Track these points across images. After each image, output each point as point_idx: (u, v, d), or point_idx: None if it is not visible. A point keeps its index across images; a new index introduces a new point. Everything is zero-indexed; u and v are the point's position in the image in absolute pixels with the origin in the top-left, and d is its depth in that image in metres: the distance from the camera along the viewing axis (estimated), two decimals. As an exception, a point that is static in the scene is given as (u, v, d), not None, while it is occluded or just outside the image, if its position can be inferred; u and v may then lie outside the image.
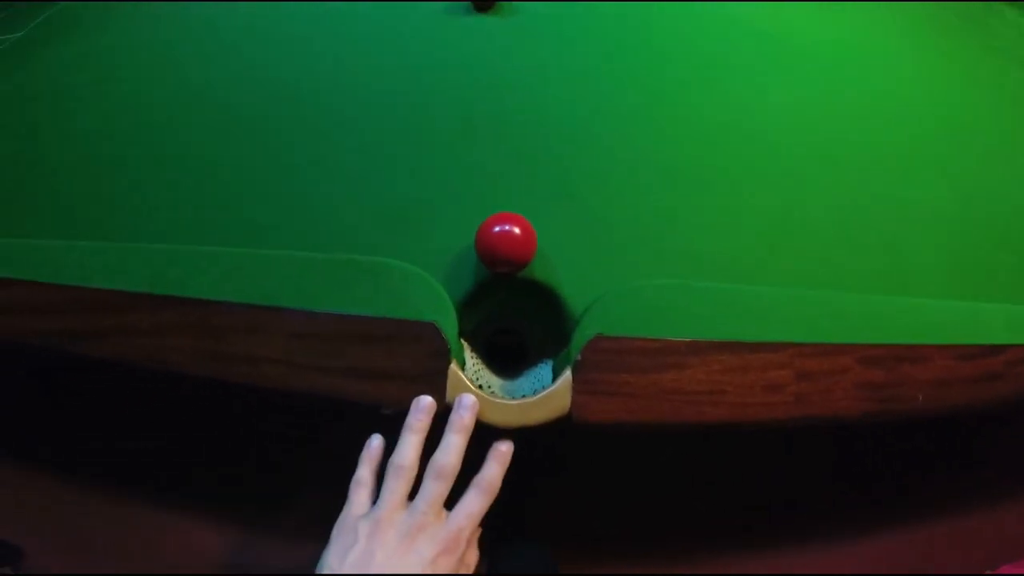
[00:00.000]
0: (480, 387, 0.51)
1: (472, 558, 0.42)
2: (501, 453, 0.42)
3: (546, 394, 0.45)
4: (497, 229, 0.51)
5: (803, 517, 1.15)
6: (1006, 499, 1.18)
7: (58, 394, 1.08)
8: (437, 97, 0.71)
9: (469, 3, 0.87)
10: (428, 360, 0.45)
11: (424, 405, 0.42)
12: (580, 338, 0.46)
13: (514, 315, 0.58)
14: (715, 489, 1.13)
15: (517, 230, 0.51)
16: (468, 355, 0.53)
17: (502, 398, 0.46)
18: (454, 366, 0.45)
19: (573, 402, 0.45)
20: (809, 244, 0.57)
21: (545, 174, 0.63)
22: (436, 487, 0.40)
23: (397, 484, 0.40)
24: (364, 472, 0.43)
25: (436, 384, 0.45)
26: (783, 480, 1.19)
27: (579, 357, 0.46)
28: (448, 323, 0.46)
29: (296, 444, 1.02)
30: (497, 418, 0.45)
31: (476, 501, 0.41)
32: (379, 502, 0.40)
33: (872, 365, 0.49)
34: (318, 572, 0.38)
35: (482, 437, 0.45)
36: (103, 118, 0.72)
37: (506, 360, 0.57)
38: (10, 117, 0.74)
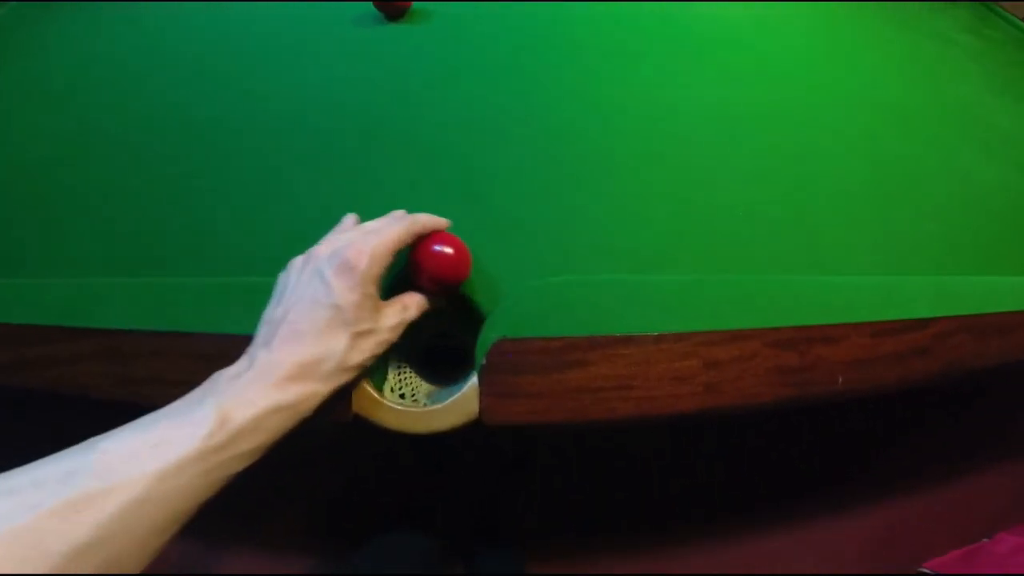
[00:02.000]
0: (403, 396, 0.52)
1: (410, 304, 0.44)
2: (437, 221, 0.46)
3: (453, 400, 0.46)
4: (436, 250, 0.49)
5: (784, 502, 1.14)
6: (994, 468, 1.15)
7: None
8: (340, 110, 0.71)
9: (380, 13, 0.87)
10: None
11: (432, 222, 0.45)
12: (484, 342, 0.47)
13: (445, 324, 0.58)
14: (687, 483, 1.13)
15: (450, 250, 0.50)
16: (393, 364, 0.53)
17: (411, 406, 0.47)
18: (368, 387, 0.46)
19: (481, 406, 0.46)
20: (717, 229, 0.56)
21: (455, 178, 0.63)
22: (355, 230, 0.43)
23: (335, 231, 0.45)
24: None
25: (341, 395, 0.46)
26: (762, 466, 1.18)
27: (484, 361, 0.46)
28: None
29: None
30: (406, 425, 0.46)
31: (385, 220, 0.43)
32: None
33: (783, 348, 0.48)
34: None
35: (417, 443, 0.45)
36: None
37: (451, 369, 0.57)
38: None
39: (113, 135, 0.72)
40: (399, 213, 0.47)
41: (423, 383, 0.54)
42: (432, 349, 0.58)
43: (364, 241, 0.40)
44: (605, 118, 0.70)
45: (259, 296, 0.48)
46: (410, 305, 0.44)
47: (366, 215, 0.61)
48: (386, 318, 0.41)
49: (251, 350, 0.38)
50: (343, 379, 0.39)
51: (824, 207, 0.60)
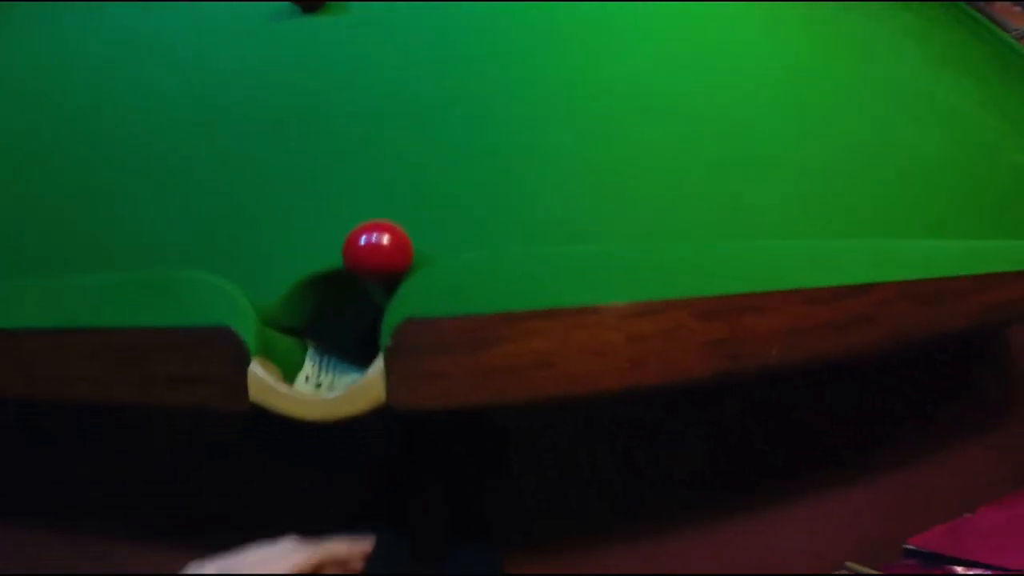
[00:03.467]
0: (318, 386, 0.49)
1: None
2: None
3: (357, 386, 0.43)
4: (364, 241, 0.46)
5: (763, 486, 1.12)
6: (973, 441, 1.13)
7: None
8: (255, 104, 0.68)
9: (295, 5, 0.83)
10: (229, 363, 0.43)
11: None
12: (389, 322, 0.44)
13: (367, 306, 0.55)
14: (663, 469, 1.11)
15: (386, 239, 0.47)
16: (313, 356, 0.51)
17: (312, 393, 0.44)
18: (254, 366, 0.43)
19: (389, 391, 0.43)
20: (640, 198, 0.53)
21: (376, 163, 0.60)
22: None
23: None
24: None
25: (240, 384, 0.43)
26: (737, 450, 1.16)
27: (389, 343, 0.43)
28: (246, 326, 0.44)
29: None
30: (305, 414, 0.43)
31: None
32: None
33: (710, 319, 0.45)
34: None
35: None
36: None
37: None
38: None
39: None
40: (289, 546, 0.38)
41: (350, 373, 0.52)
42: (364, 337, 0.55)
43: None
44: (523, 96, 0.67)
45: (152, 290, 0.45)
46: None
47: (276, 203, 0.58)
48: None
49: None
50: None
51: (750, 176, 0.57)
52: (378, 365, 0.43)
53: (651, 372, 0.45)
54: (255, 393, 0.42)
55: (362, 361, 0.52)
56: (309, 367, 0.50)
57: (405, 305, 0.44)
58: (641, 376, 0.45)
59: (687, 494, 1.10)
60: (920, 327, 0.49)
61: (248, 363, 0.43)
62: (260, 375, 0.42)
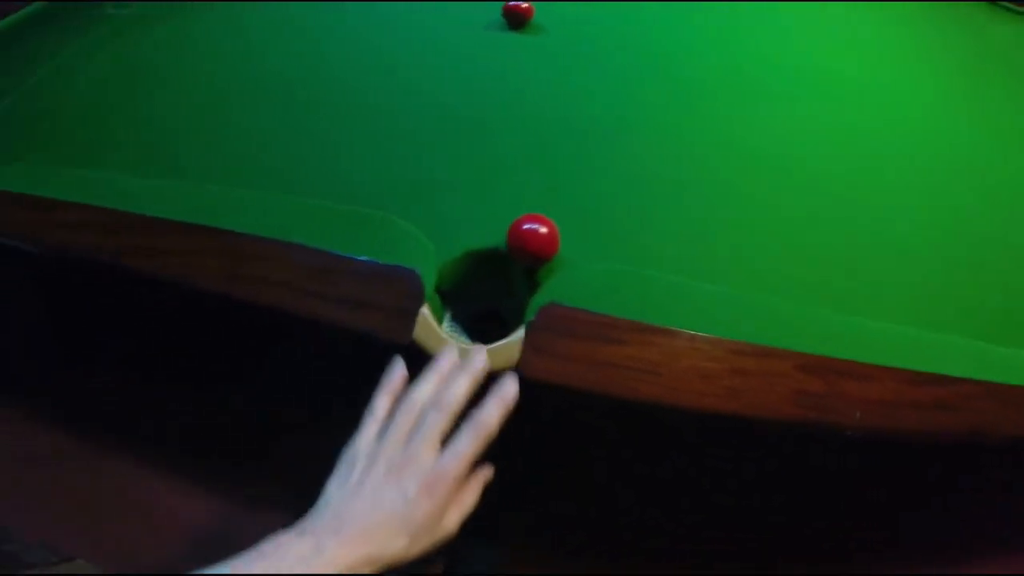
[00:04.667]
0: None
1: (468, 499, 0.43)
2: (503, 396, 0.43)
3: (498, 346, 0.52)
4: (527, 227, 0.57)
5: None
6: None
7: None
8: (465, 98, 0.84)
9: (504, 21, 0.98)
10: (405, 299, 0.53)
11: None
12: (537, 301, 0.53)
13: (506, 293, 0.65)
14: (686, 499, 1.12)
15: (544, 230, 0.57)
16: (448, 312, 0.60)
17: (464, 344, 0.54)
18: (426, 309, 0.53)
19: (522, 357, 0.52)
20: (770, 254, 0.60)
21: (563, 171, 0.72)
22: (435, 420, 0.41)
23: (404, 419, 0.42)
24: (379, 403, 0.44)
25: (407, 321, 0.53)
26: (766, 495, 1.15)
27: (533, 318, 0.52)
28: (428, 276, 0.54)
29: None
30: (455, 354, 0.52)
31: (467, 441, 0.41)
32: (384, 435, 0.41)
33: (810, 373, 0.51)
34: (320, 500, 0.40)
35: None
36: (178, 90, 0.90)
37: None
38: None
39: (270, 87, 0.88)
40: (475, 424, 0.43)
41: (465, 335, 0.61)
42: (482, 313, 0.64)
43: (446, 469, 0.40)
44: (687, 142, 0.76)
45: (362, 224, 0.57)
46: (468, 502, 0.44)
47: (466, 180, 0.69)
48: (449, 522, 0.42)
49: (319, 532, 0.38)
50: (402, 565, 0.40)
51: (874, 253, 0.62)
52: (519, 334, 0.52)
53: (743, 404, 0.51)
54: (419, 332, 0.53)
55: (478, 332, 0.62)
56: (447, 324, 0.60)
57: (553, 291, 0.53)
58: (734, 406, 0.51)
59: (701, 553, 1.10)
60: (999, 427, 0.53)
61: (421, 305, 0.53)
62: (428, 317, 0.53)
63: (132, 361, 1.07)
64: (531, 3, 1.04)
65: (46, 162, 0.78)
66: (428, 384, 0.44)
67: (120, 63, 1.05)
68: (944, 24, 1.24)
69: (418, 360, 0.53)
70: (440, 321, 0.56)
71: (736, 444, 0.92)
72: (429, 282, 0.54)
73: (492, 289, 0.63)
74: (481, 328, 0.59)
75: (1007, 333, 0.59)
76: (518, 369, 0.52)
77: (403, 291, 0.54)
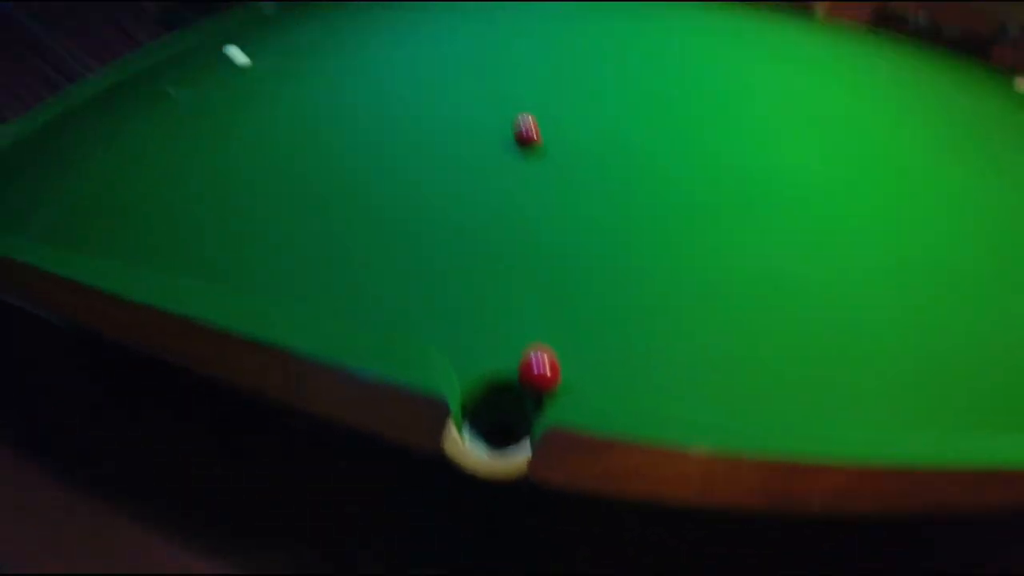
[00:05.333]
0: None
1: None
2: None
3: (511, 457, 0.65)
4: (535, 371, 0.69)
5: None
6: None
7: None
8: (478, 220, 0.96)
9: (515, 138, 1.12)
10: (435, 420, 0.66)
11: None
12: (543, 423, 0.66)
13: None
14: None
15: (549, 372, 0.69)
16: (465, 425, 0.73)
17: (481, 454, 0.66)
18: (452, 427, 0.66)
19: (530, 467, 0.64)
20: (757, 373, 0.72)
21: (566, 297, 0.84)
22: None
23: None
24: None
25: (437, 436, 0.65)
26: None
27: (540, 436, 0.65)
28: (453, 398, 0.67)
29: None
30: (472, 467, 0.65)
31: None
32: None
33: (775, 472, 0.62)
34: None
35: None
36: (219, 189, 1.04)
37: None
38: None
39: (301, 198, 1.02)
40: None
41: (481, 443, 0.73)
42: (494, 427, 0.76)
43: None
44: (682, 277, 0.89)
45: (401, 352, 0.69)
46: None
47: (480, 304, 0.82)
48: None
49: None
50: None
51: (850, 358, 0.75)
52: (526, 447, 0.65)
53: (713, 497, 0.63)
54: (447, 445, 0.65)
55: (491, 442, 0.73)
56: (466, 434, 0.72)
57: (556, 414, 0.65)
58: (703, 498, 0.63)
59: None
60: (957, 507, 0.63)
61: (447, 424, 0.66)
62: (453, 433, 0.65)
63: (175, 440, 1.23)
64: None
65: (109, 254, 0.94)
66: None
67: (173, 155, 1.21)
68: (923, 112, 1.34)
69: (446, 464, 0.66)
70: (460, 430, 0.69)
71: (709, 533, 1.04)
72: (454, 403, 0.67)
73: (505, 407, 0.75)
74: (495, 437, 0.71)
75: (975, 421, 0.70)
76: (527, 475, 0.64)
77: (433, 412, 0.66)
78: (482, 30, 1.90)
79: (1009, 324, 0.83)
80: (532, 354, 0.70)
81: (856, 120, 1.43)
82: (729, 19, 2.17)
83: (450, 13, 2.01)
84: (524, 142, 1.13)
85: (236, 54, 1.74)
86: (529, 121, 1.13)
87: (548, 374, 0.68)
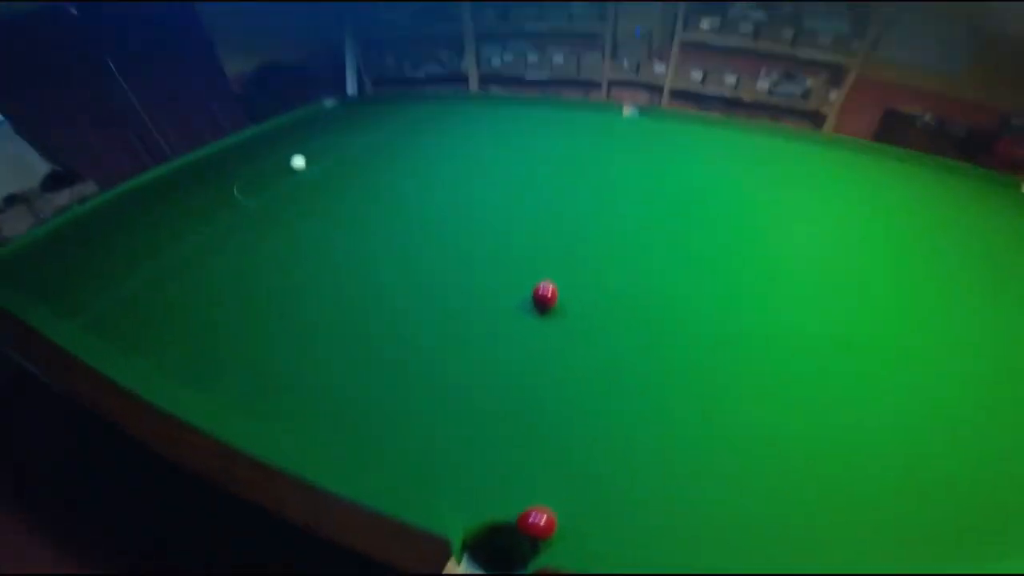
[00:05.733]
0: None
1: None
2: None
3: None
4: (531, 521, 0.75)
5: None
6: None
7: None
8: (492, 379, 1.03)
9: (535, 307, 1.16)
10: (438, 555, 0.73)
11: None
12: (535, 564, 0.72)
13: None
14: None
15: (543, 524, 0.75)
16: (467, 556, 0.79)
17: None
18: (452, 561, 0.73)
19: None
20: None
21: (563, 451, 0.90)
22: None
23: None
24: None
25: (440, 565, 0.72)
26: None
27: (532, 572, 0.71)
28: (456, 536, 0.75)
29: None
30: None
31: None
32: None
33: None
34: None
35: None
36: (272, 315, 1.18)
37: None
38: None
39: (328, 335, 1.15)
40: None
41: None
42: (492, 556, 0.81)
43: None
44: (679, 434, 0.93)
45: (411, 491, 0.78)
46: None
47: (490, 453, 0.90)
48: None
49: None
50: None
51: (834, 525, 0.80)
52: (520, 578, 0.71)
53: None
54: (447, 568, 0.72)
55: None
56: (465, 563, 0.78)
57: (547, 560, 0.72)
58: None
59: None
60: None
61: (449, 558, 0.73)
62: (454, 565, 0.72)
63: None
64: (554, 289, 1.17)
65: (152, 354, 1.07)
66: None
67: (230, 266, 1.37)
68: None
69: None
70: (459, 561, 0.76)
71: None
72: (456, 539, 0.74)
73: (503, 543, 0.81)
74: (492, 566, 0.77)
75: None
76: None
77: (436, 548, 0.74)
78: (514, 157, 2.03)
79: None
80: (532, 509, 0.77)
81: (864, 258, 1.43)
82: (738, 140, 2.21)
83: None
84: (541, 307, 1.18)
85: (298, 161, 1.99)
86: (548, 289, 1.18)
87: (542, 525, 0.75)
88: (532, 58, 3.76)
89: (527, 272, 1.28)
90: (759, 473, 0.86)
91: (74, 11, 2.70)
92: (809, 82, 3.34)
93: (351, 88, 4.02)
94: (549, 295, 1.16)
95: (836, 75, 3.25)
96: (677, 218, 1.60)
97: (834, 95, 3.25)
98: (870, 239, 1.51)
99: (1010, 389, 1.02)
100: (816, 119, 3.36)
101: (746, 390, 1.00)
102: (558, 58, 3.70)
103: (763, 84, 3.43)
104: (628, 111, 2.54)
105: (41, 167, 2.67)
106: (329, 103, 2.98)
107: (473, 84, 3.94)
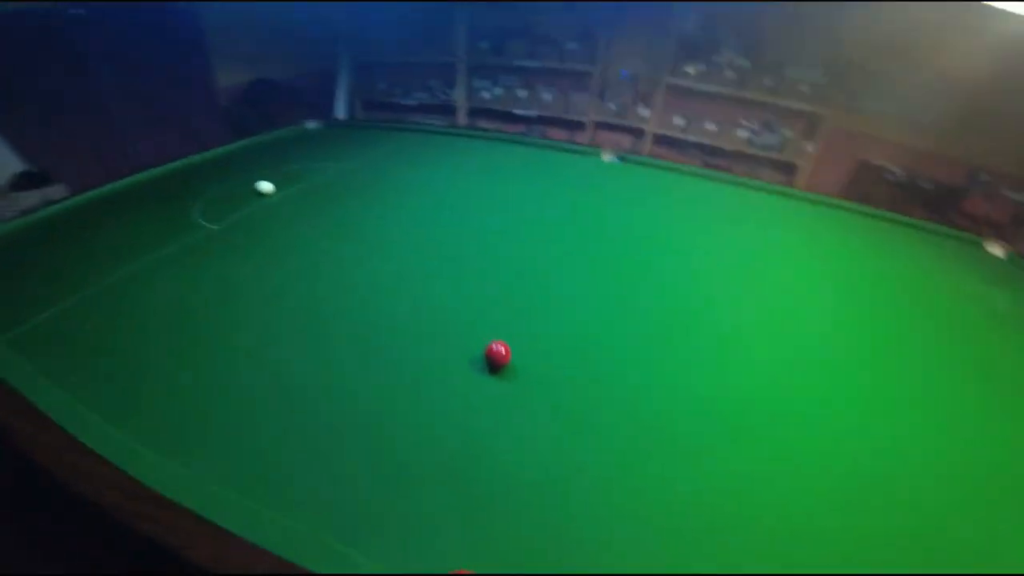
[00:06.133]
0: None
1: None
2: None
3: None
4: None
5: None
6: None
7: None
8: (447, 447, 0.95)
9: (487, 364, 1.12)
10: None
11: None
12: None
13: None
14: None
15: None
16: None
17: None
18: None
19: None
20: None
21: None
22: None
23: None
24: None
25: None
26: None
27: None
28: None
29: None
30: None
31: None
32: None
33: None
34: None
35: None
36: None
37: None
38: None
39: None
40: None
41: None
42: None
43: None
44: (640, 503, 0.88)
45: None
46: None
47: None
48: None
49: None
50: None
51: None
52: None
53: None
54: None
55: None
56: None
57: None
58: None
59: None
60: None
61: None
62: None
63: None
64: (507, 350, 1.11)
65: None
66: None
67: (169, 292, 1.32)
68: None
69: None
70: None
71: None
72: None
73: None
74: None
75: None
76: None
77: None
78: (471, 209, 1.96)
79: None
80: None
81: (833, 321, 1.44)
82: (713, 194, 2.24)
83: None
84: (494, 365, 1.13)
85: (265, 186, 1.98)
86: (501, 349, 1.13)
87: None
88: (521, 94, 3.84)
89: (480, 325, 1.25)
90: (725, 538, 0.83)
91: (82, 11, 2.69)
92: (786, 132, 3.44)
93: (341, 111, 4.06)
94: (503, 354, 1.12)
95: (812, 125, 3.35)
96: (641, 272, 1.59)
97: (810, 146, 3.34)
98: (831, 302, 1.52)
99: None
100: (790, 170, 3.44)
101: (716, 458, 0.97)
102: (547, 96, 3.78)
103: (742, 134, 3.52)
104: (607, 157, 2.58)
105: (14, 166, 2.63)
106: (312, 125, 3.00)
107: (461, 116, 4.00)
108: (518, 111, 3.86)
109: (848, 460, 0.99)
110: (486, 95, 3.92)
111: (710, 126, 3.58)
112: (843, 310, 1.49)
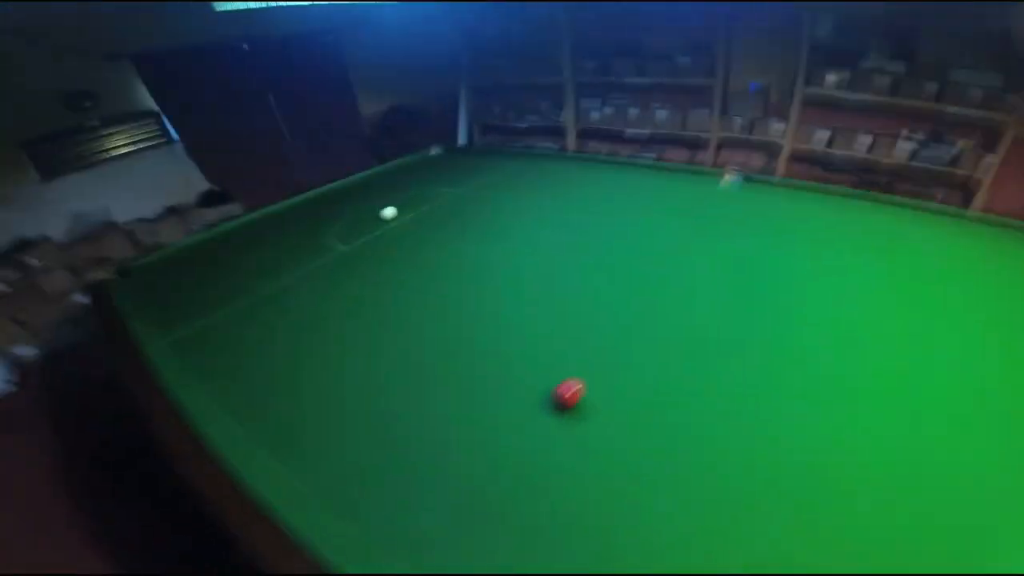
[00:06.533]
0: None
1: None
2: None
3: None
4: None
5: None
6: None
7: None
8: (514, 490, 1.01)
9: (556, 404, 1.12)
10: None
11: None
12: None
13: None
14: None
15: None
16: None
17: None
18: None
19: None
20: None
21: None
22: None
23: None
24: None
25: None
26: None
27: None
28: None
29: None
30: None
31: None
32: None
33: None
34: None
35: None
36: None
37: None
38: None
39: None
40: None
41: None
42: None
43: None
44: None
45: None
46: None
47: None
48: None
49: None
50: None
51: None
52: None
53: None
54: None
55: None
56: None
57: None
58: None
59: None
60: None
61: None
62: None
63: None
64: (578, 389, 1.11)
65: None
66: None
67: (303, 308, 1.50)
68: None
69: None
70: None
71: None
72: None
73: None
74: None
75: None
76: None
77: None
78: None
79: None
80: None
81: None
82: (864, 220, 1.93)
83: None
84: (561, 405, 1.13)
85: (388, 212, 2.19)
86: (571, 388, 1.13)
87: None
88: (633, 112, 3.71)
89: (560, 360, 1.28)
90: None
91: (245, 46, 3.21)
92: (959, 145, 2.88)
93: (462, 137, 4.30)
94: (567, 396, 1.11)
95: (989, 137, 2.77)
96: (754, 321, 1.38)
97: (988, 160, 2.76)
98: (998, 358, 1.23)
99: None
100: (965, 191, 2.87)
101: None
102: (661, 114, 3.61)
103: (904, 147, 2.99)
104: (729, 179, 2.35)
105: (200, 185, 3.20)
106: (435, 151, 3.24)
107: (570, 138, 3.98)
108: (630, 130, 3.74)
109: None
110: (595, 115, 3.85)
111: (862, 139, 3.10)
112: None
